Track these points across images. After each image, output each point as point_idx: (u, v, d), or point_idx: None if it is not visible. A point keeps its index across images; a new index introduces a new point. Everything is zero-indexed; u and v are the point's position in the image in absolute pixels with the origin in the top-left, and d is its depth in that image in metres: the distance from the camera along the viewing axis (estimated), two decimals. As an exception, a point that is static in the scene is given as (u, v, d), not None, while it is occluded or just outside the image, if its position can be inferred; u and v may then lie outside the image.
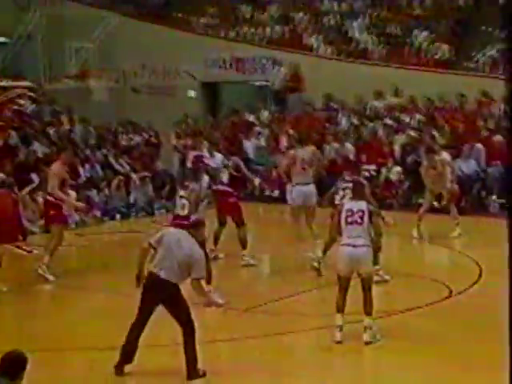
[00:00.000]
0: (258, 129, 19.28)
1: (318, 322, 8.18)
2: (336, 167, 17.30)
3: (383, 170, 16.75)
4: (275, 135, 18.91)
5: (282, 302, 8.97)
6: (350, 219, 7.43)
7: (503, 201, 15.31)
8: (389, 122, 17.78)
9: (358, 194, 7.80)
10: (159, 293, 6.15)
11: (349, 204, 7.68)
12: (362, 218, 7.41)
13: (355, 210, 7.48)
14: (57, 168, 10.57)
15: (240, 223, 11.05)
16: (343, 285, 7.39)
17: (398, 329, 7.93)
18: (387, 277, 9.69)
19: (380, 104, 18.69)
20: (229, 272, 10.74)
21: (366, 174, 16.71)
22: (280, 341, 7.63)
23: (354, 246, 7.35)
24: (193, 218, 8.02)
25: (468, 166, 15.99)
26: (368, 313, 7.36)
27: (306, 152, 11.26)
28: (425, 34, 19.83)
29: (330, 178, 17.26)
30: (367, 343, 7.21)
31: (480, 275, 10.12)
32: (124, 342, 6.39)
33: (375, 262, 8.92)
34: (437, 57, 19.29)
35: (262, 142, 18.91)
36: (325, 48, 20.86)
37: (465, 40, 19.72)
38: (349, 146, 17.46)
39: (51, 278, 10.20)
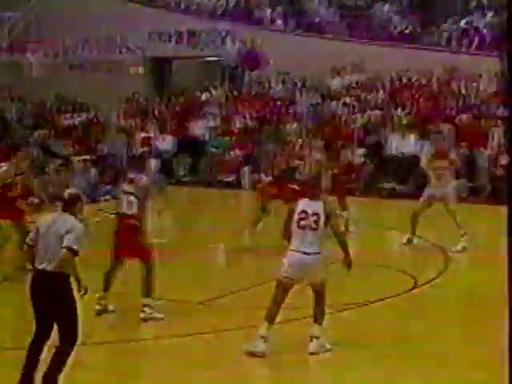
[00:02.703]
0: (210, 109, 18.10)
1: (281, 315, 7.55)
2: (294, 150, 16.35)
3: (344, 152, 15.75)
4: (228, 115, 17.76)
5: (238, 295, 8.60)
6: (303, 222, 6.63)
7: (471, 184, 14.71)
8: (349, 100, 16.82)
9: (314, 192, 6.83)
10: (48, 288, 5.55)
11: (302, 204, 6.73)
12: (316, 222, 6.61)
13: (310, 212, 6.63)
14: None
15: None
16: (284, 291, 6.70)
17: (362, 321, 7.67)
18: None
19: (340, 81, 17.72)
20: (185, 262, 10.15)
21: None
22: (236, 335, 7.23)
23: (306, 253, 6.62)
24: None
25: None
26: (318, 322, 6.77)
27: None
28: (387, 6, 18.84)
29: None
30: (312, 354, 6.63)
31: (446, 265, 9.77)
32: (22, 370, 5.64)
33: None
34: (399, 31, 18.31)
35: (215, 123, 17.78)
36: (281, 22, 19.69)
37: (428, 13, 18.80)
38: (308, 126, 16.51)
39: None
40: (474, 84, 16.02)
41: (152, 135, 17.45)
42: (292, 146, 14.25)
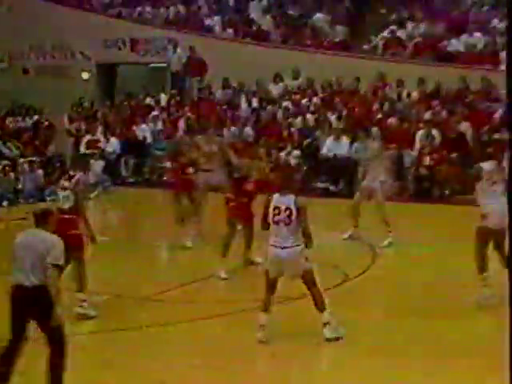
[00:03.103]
0: (155, 112, 18.81)
1: (216, 309, 8.12)
2: (236, 152, 17.12)
3: (282, 154, 16.65)
4: (173, 119, 18.50)
5: (180, 289, 8.87)
6: (276, 218, 6.81)
7: (399, 183, 15.62)
8: (287, 105, 17.70)
9: (285, 185, 6.95)
10: (36, 302, 5.55)
11: (276, 199, 6.85)
12: (289, 216, 6.74)
13: (282, 207, 6.78)
14: None
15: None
16: (271, 284, 7.03)
17: (294, 314, 7.94)
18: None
19: (279, 87, 18.58)
20: (130, 259, 10.48)
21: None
22: (178, 330, 7.55)
23: (282, 247, 6.84)
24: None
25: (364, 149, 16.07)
26: (321, 309, 7.00)
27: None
28: (322, 15, 19.83)
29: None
30: (329, 340, 6.90)
31: (374, 259, 10.27)
32: None
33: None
34: (334, 39, 19.33)
35: (160, 126, 18.45)
36: (224, 30, 20.53)
37: (361, 22, 19.86)
38: (248, 129, 17.30)
39: None
40: (400, 90, 17.08)
41: (99, 138, 17.99)
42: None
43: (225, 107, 18.42)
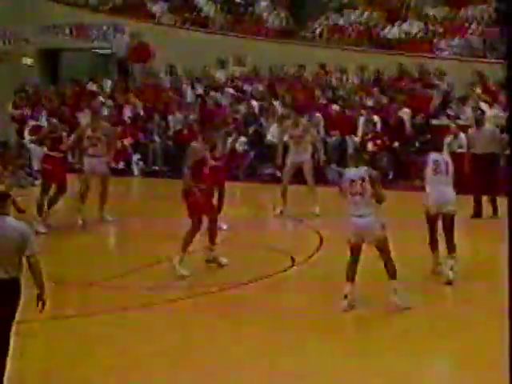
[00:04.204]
0: (100, 99, 18.85)
1: (166, 295, 8.21)
2: (181, 137, 17.38)
3: (228, 140, 16.93)
4: (119, 105, 18.60)
5: (127, 276, 8.95)
6: (353, 190, 7.51)
7: (341, 169, 16.11)
8: (232, 91, 17.99)
9: (357, 158, 7.78)
10: (10, 296, 5.34)
11: (350, 173, 7.65)
12: (363, 187, 7.45)
13: (357, 179, 7.54)
14: None
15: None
16: (354, 254, 7.54)
17: (242, 300, 8.11)
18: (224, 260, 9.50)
19: (223, 73, 18.85)
20: (77, 245, 10.61)
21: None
22: (126, 316, 7.64)
23: (359, 216, 7.48)
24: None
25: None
26: (392, 275, 7.50)
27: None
28: (265, 2, 20.14)
29: (175, 149, 17.45)
30: (398, 305, 7.41)
31: (321, 243, 10.46)
32: None
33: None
34: (276, 26, 19.68)
35: (105, 113, 18.50)
36: (169, 16, 20.65)
37: (303, 9, 20.25)
38: (193, 116, 17.53)
39: None
40: (342, 76, 17.59)
41: (43, 124, 17.94)
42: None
43: (171, 94, 18.60)
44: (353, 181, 7.49)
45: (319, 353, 6.64)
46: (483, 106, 15.41)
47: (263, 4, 20.18)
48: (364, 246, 7.65)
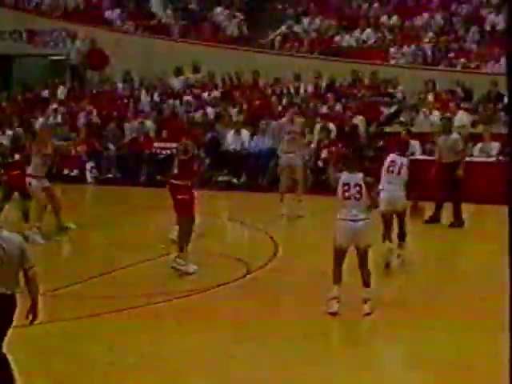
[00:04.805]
0: (54, 105, 18.65)
1: (124, 303, 8.19)
2: (137, 145, 17.31)
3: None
4: (73, 112, 18.43)
5: (87, 283, 8.92)
6: (347, 194, 7.57)
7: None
8: (188, 98, 17.98)
9: (354, 165, 7.79)
10: (10, 312, 5.24)
11: (345, 176, 7.66)
12: (359, 192, 7.52)
13: (352, 184, 7.59)
14: None
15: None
16: (341, 257, 7.56)
17: (198, 307, 8.10)
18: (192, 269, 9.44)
19: (180, 81, 18.82)
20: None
21: (169, 152, 16.91)
22: (81, 325, 7.60)
23: (355, 220, 7.52)
24: None
25: (264, 142, 16.64)
26: (366, 284, 7.56)
27: None
28: (221, 9, 20.19)
29: (130, 157, 17.37)
30: (368, 314, 7.46)
31: (276, 251, 10.49)
32: None
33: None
34: (233, 33, 19.75)
35: (59, 120, 18.33)
36: (125, 22, 20.55)
37: (260, 17, 20.36)
38: (149, 123, 17.48)
39: None
40: (297, 84, 17.72)
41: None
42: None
43: (127, 101, 18.50)
44: (347, 184, 7.53)
45: (275, 361, 6.60)
46: (435, 113, 15.70)
47: (220, 11, 20.22)
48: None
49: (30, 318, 5.34)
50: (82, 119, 17.94)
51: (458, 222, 11.85)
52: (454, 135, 12.38)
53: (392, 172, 9.22)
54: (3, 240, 5.15)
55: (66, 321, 7.63)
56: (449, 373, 6.37)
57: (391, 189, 9.14)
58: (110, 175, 17.20)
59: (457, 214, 11.87)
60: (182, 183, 9.22)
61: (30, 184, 11.11)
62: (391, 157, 9.40)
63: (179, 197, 9.18)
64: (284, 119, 13.62)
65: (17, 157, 11.68)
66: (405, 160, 9.45)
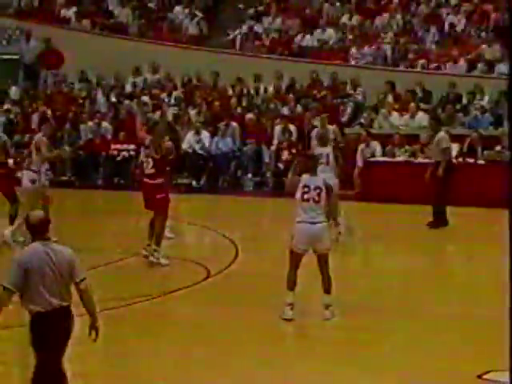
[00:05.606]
0: (7, 106, 18.13)
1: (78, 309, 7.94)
2: (93, 147, 16.93)
3: (142, 150, 16.56)
4: (26, 113, 17.94)
5: None
6: (306, 196, 7.49)
7: (258, 179, 16.08)
8: (146, 99, 17.64)
9: (313, 167, 7.87)
10: (70, 324, 5.21)
11: (306, 179, 7.58)
12: (319, 195, 7.49)
13: (312, 186, 7.49)
14: None
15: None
16: (297, 261, 7.47)
17: (157, 312, 7.99)
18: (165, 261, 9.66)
19: (138, 81, 18.48)
20: None
21: (126, 154, 16.60)
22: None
23: (313, 223, 7.44)
24: None
25: (224, 144, 16.41)
26: (327, 290, 7.49)
27: None
28: (181, 8, 19.90)
29: (86, 159, 16.99)
30: (328, 319, 7.45)
31: (236, 254, 10.40)
32: None
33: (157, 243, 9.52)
34: (192, 33, 19.46)
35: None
36: (81, 21, 20.09)
37: (219, 16, 20.12)
38: (106, 124, 17.12)
39: None
40: (257, 85, 17.51)
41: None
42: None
43: (82, 101, 18.08)
44: (307, 187, 7.43)
45: (235, 365, 6.52)
46: (394, 114, 15.67)
47: (179, 10, 19.91)
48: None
49: (93, 335, 5.23)
50: (36, 120, 17.47)
51: (436, 222, 11.71)
52: (441, 134, 12.31)
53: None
54: (53, 252, 5.18)
55: (8, 328, 7.17)
56: (412, 375, 6.27)
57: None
58: (64, 178, 16.76)
59: (437, 213, 11.75)
60: (158, 182, 9.66)
61: None
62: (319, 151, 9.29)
63: (158, 196, 9.61)
64: None
65: None
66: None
